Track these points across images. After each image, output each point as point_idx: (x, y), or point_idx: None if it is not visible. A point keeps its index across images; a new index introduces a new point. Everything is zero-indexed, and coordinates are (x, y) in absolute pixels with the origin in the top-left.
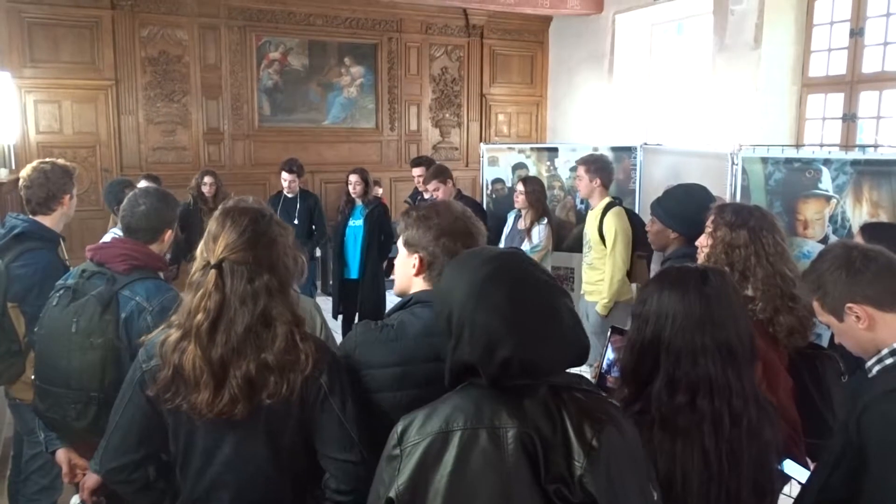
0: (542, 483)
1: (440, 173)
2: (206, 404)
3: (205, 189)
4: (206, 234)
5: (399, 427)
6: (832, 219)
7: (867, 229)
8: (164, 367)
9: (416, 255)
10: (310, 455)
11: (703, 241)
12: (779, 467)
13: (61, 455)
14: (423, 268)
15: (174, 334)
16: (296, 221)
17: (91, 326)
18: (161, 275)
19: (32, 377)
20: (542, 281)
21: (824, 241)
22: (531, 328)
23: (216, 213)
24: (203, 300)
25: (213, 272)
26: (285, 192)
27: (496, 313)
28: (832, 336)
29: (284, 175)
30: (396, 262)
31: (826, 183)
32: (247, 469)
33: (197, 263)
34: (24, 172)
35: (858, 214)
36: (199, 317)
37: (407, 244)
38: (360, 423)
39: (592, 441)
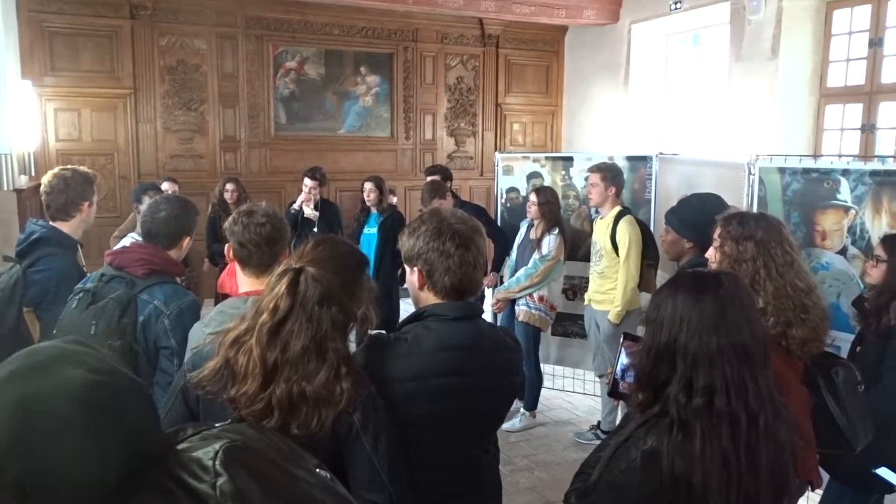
0: None
1: (435, 191)
2: (248, 398)
3: (227, 196)
4: (301, 247)
5: None
6: (851, 230)
7: (888, 241)
8: (215, 358)
9: (415, 269)
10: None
11: (711, 256)
12: (875, 472)
13: None
14: (424, 279)
15: (239, 328)
16: (315, 230)
17: (109, 329)
18: (179, 280)
19: None
20: None
21: (843, 252)
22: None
23: (320, 235)
24: (274, 300)
25: (290, 275)
26: (301, 199)
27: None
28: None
29: (307, 181)
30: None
31: (845, 193)
32: None
33: (280, 269)
34: (46, 178)
35: (878, 225)
36: (265, 316)
37: (406, 260)
38: (393, 464)
39: (216, 466)
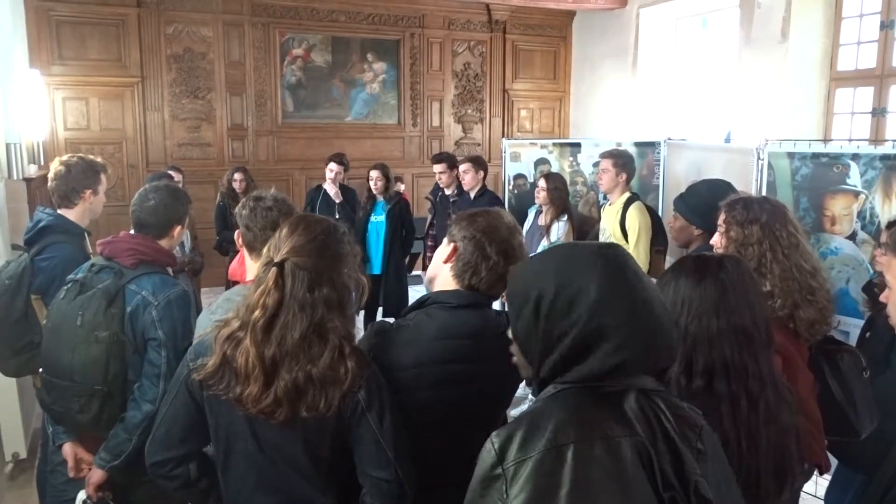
0: (660, 491)
1: (477, 161)
2: (253, 398)
3: (235, 185)
4: (276, 233)
5: (495, 444)
6: (860, 214)
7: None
8: (213, 355)
9: (452, 244)
10: (351, 469)
11: (716, 242)
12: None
13: (67, 449)
14: (452, 256)
15: (233, 324)
16: (337, 216)
17: (96, 320)
18: (170, 270)
19: (40, 370)
20: (645, 279)
21: (852, 237)
22: (647, 327)
23: (293, 217)
24: (262, 297)
25: (274, 270)
26: (326, 184)
27: (624, 310)
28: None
29: (332, 166)
30: (437, 249)
31: (854, 178)
32: (287, 479)
33: (262, 260)
34: (52, 165)
35: (888, 210)
36: (257, 313)
37: (449, 234)
38: (398, 440)
39: (698, 445)
